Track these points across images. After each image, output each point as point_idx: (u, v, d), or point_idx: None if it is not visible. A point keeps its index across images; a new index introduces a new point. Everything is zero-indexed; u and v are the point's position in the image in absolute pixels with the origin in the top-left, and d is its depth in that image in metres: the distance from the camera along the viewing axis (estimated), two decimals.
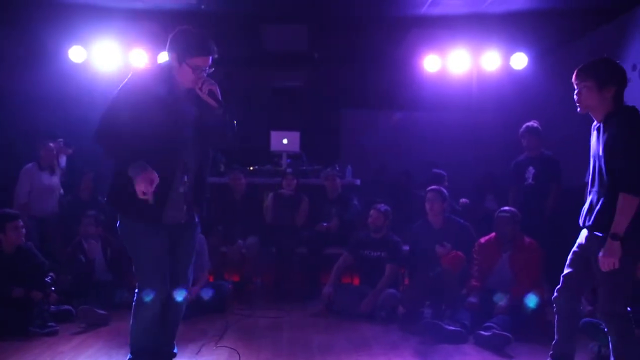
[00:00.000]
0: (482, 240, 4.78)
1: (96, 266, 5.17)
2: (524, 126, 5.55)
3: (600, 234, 2.88)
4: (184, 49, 2.85)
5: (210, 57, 2.89)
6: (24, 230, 4.60)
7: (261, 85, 8.72)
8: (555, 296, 3.16)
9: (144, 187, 2.72)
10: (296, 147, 7.12)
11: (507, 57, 7.29)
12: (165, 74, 2.91)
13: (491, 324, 4.12)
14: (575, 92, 2.97)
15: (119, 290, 5.04)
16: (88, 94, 6.93)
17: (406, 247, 5.29)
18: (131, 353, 3.12)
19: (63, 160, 6.63)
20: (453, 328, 4.21)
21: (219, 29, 6.58)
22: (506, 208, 4.76)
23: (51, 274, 4.61)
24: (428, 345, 4.09)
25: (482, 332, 4.07)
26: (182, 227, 3.05)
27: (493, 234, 4.74)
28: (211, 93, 2.86)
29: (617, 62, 2.98)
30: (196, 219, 3.13)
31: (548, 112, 6.58)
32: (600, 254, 2.81)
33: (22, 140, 6.15)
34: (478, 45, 7.27)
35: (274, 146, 7.11)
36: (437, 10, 6.19)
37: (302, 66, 8.33)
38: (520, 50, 7.22)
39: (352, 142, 8.76)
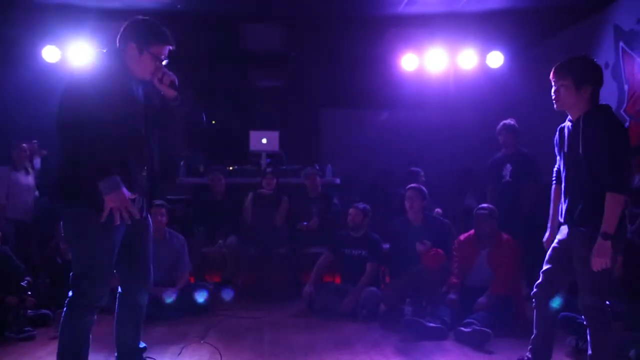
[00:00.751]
0: (462, 237, 4.82)
1: None
2: (501, 124, 5.62)
3: (583, 229, 2.93)
4: (146, 37, 2.81)
5: (168, 47, 2.87)
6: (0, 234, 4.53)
7: (240, 84, 8.68)
8: (535, 292, 3.20)
9: (115, 204, 2.65)
10: (275, 147, 7.11)
11: (483, 56, 7.37)
12: (121, 65, 2.82)
13: (471, 320, 4.16)
14: (553, 89, 3.01)
15: None
16: None
17: (386, 245, 5.32)
18: None
19: (37, 161, 6.52)
20: (434, 325, 4.24)
21: (195, 29, 6.57)
22: (484, 205, 4.81)
23: (27, 278, 4.54)
24: (409, 343, 4.12)
25: (463, 329, 4.11)
26: (138, 221, 2.91)
27: (472, 231, 4.79)
28: (172, 84, 2.87)
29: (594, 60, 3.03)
30: (147, 213, 3.04)
31: (524, 109, 6.67)
32: (592, 254, 2.83)
33: None
34: (455, 43, 7.33)
35: (253, 146, 7.09)
36: (413, 9, 6.23)
37: (281, 65, 8.31)
38: (496, 49, 7.31)
39: (332, 142, 8.78)
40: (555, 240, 3.15)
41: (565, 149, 3.04)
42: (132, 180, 2.80)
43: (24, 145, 5.92)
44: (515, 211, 5.38)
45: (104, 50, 2.86)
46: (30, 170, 6.00)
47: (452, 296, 4.53)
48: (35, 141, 6.40)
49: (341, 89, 8.45)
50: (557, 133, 3.14)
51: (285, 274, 5.95)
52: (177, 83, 2.88)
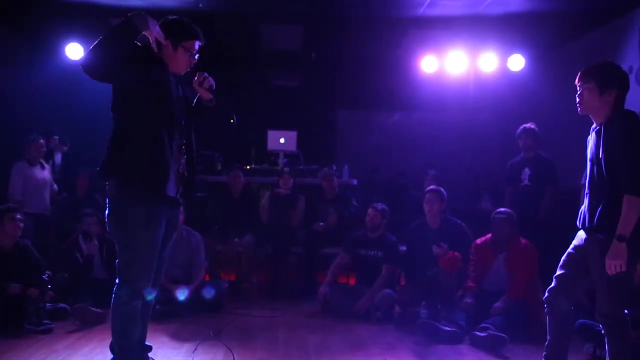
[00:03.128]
0: (479, 241, 4.78)
1: (94, 264, 5.15)
2: (521, 127, 5.57)
3: (601, 236, 2.88)
4: (179, 34, 2.99)
5: (198, 42, 3.05)
6: (21, 225, 4.59)
7: (258, 84, 8.71)
8: (547, 297, 3.17)
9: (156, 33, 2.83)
10: (293, 147, 7.12)
11: (504, 59, 7.31)
12: (156, 58, 2.99)
13: (487, 325, 4.13)
14: (578, 93, 2.98)
15: None
16: (85, 91, 6.90)
17: (403, 248, 5.30)
18: (116, 353, 3.02)
19: (58, 157, 6.60)
20: (449, 329, 4.21)
21: (216, 28, 6.61)
22: (502, 209, 4.76)
23: (48, 272, 4.60)
24: (424, 346, 4.10)
25: (478, 333, 4.07)
26: (173, 210, 3.08)
27: (489, 235, 4.75)
28: (210, 88, 3.05)
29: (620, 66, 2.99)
30: (180, 203, 3.18)
31: (544, 113, 6.61)
32: (607, 256, 2.79)
33: (19, 137, 6.10)
34: (475, 46, 7.28)
35: (271, 145, 7.11)
36: (435, 11, 6.20)
37: (299, 66, 8.33)
38: (517, 52, 7.25)
39: (349, 142, 8.77)
40: (571, 246, 3.11)
41: (589, 154, 3.01)
42: (169, 165, 2.91)
43: (42, 141, 5.94)
44: (534, 216, 5.33)
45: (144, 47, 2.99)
46: (45, 164, 6.03)
47: (468, 300, 4.49)
48: (56, 137, 6.47)
49: (360, 90, 8.43)
50: (589, 136, 3.10)
51: (300, 274, 5.96)
52: (214, 87, 3.07)
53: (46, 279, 4.48)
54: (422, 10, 6.19)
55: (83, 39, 6.87)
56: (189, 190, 3.13)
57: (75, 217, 5.44)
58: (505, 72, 7.42)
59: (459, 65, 7.38)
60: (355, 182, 6.92)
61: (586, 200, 3.02)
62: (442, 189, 5.12)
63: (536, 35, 6.88)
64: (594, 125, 3.01)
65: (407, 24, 6.70)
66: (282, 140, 7.06)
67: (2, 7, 6.12)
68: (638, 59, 5.74)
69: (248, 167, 6.87)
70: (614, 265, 2.78)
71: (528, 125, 5.55)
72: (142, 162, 2.85)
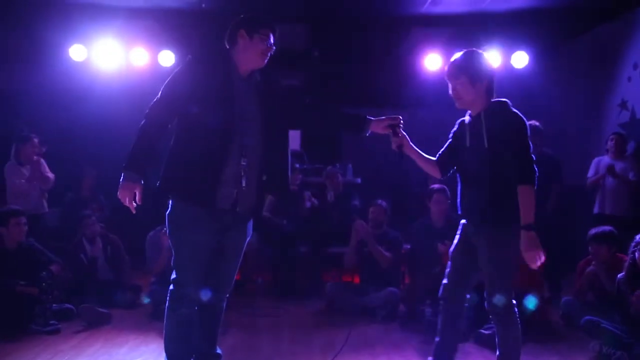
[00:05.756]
0: None
1: (98, 265, 5.16)
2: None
3: (489, 228, 2.88)
4: (255, 21, 2.97)
5: (272, 34, 2.98)
6: (25, 228, 4.60)
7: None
8: (441, 294, 3.09)
9: (121, 195, 2.75)
10: (296, 145, 7.11)
11: (508, 56, 7.28)
12: (222, 61, 2.92)
13: (492, 325, 4.11)
14: (450, 89, 3.01)
15: (120, 290, 5.03)
16: (89, 92, 6.92)
17: (407, 246, 5.29)
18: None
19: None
20: None
21: (219, 28, 6.60)
22: None
23: (55, 265, 4.55)
24: (429, 344, 4.06)
25: (483, 331, 4.07)
26: (233, 218, 2.87)
27: None
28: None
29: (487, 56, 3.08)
30: (251, 213, 2.97)
31: (548, 110, 6.58)
32: (522, 249, 2.75)
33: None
34: (479, 44, 7.24)
35: None
36: (438, 9, 6.19)
37: (303, 64, 8.32)
38: (521, 49, 7.21)
39: (352, 141, 8.75)
40: (456, 239, 3.07)
41: (468, 144, 3.00)
42: (220, 170, 2.78)
43: (35, 140, 5.70)
44: (540, 213, 5.29)
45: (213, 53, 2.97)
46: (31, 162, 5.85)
47: None
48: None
49: (363, 88, 8.41)
50: (457, 126, 3.15)
51: (305, 272, 5.95)
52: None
53: (46, 276, 4.39)
54: (425, 8, 6.19)
55: (86, 40, 6.88)
56: (248, 201, 2.89)
57: (80, 218, 5.45)
58: (509, 69, 7.38)
59: None
60: (359, 180, 6.91)
61: (464, 191, 3.01)
62: (446, 188, 5.10)
63: (540, 32, 6.86)
64: (469, 112, 3.03)
65: (411, 22, 6.69)
66: None
67: (5, 8, 6.14)
68: None
69: None
70: (533, 256, 2.74)
71: (532, 122, 5.50)
72: (187, 163, 2.76)
